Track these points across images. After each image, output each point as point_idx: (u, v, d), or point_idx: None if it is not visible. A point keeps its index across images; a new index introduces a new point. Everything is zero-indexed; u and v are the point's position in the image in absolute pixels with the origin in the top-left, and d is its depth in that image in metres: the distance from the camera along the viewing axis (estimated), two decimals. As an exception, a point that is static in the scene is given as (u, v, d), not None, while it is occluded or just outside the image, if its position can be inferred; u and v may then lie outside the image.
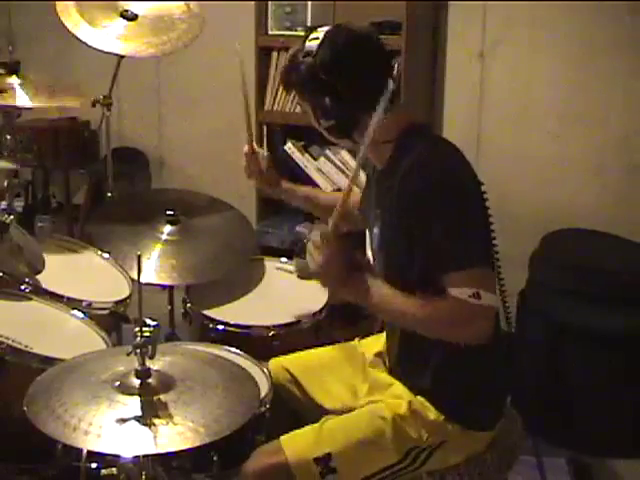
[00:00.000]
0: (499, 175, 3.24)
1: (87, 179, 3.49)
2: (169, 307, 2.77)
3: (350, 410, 1.86)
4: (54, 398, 1.57)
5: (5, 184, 2.84)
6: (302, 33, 1.91)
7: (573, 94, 3.12)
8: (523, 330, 2.89)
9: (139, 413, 1.53)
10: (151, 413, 1.53)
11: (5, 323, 2.05)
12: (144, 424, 1.50)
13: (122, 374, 1.62)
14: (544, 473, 2.04)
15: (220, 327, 2.32)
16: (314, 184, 3.28)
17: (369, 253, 1.95)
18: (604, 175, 3.11)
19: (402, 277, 1.78)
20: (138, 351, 1.56)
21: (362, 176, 2.10)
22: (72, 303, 2.23)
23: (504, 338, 1.85)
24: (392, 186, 1.76)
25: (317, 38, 1.78)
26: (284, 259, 2.68)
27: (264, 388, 1.95)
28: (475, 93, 3.27)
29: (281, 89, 3.29)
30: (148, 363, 1.59)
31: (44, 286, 2.25)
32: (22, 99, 2.78)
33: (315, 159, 3.29)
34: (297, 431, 1.81)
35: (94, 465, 1.77)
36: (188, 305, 2.46)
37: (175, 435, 1.48)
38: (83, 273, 2.49)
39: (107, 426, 1.49)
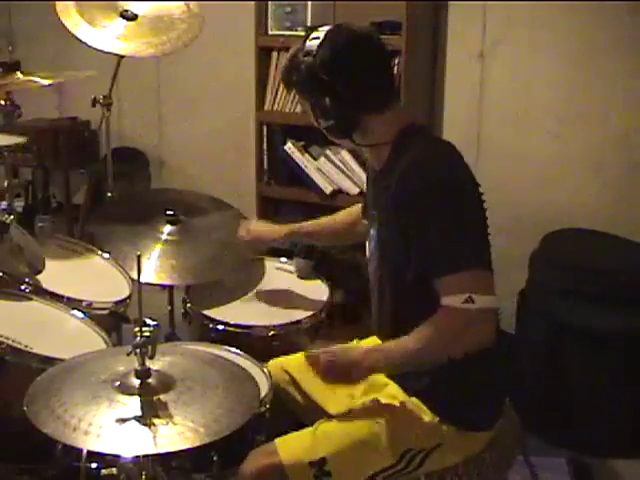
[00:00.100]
0: (499, 175, 3.25)
1: (87, 179, 3.49)
2: (169, 307, 2.77)
3: (348, 411, 1.86)
4: (54, 398, 1.57)
5: (5, 184, 2.84)
6: (302, 33, 1.92)
7: (573, 94, 3.12)
8: (523, 330, 2.90)
9: (139, 413, 1.53)
10: (151, 413, 1.52)
11: (5, 323, 2.05)
12: (144, 424, 1.50)
13: (122, 374, 1.62)
14: (534, 471, 2.04)
15: (220, 327, 2.32)
16: (314, 184, 3.28)
17: (367, 254, 1.94)
18: (604, 174, 3.11)
19: (398, 278, 1.78)
20: (138, 351, 1.56)
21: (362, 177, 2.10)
22: (72, 303, 2.23)
23: (503, 338, 1.85)
24: (389, 186, 1.75)
25: (317, 38, 1.78)
26: (284, 259, 2.68)
27: (264, 388, 1.95)
28: (475, 93, 3.27)
29: (281, 89, 3.30)
30: (148, 363, 1.59)
31: (44, 286, 2.25)
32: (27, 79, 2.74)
33: (315, 159, 3.29)
34: (292, 434, 1.81)
35: (94, 465, 1.77)
36: (188, 305, 2.46)
37: (175, 435, 1.48)
38: (83, 273, 2.49)
39: (107, 426, 1.49)
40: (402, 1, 2.98)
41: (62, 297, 2.24)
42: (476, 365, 1.68)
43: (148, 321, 1.57)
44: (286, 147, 3.33)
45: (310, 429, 1.81)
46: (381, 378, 1.90)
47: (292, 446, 1.77)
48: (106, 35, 2.75)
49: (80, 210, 3.53)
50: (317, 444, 1.76)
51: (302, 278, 2.62)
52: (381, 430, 1.77)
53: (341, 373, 1.74)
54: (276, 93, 3.33)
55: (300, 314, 2.37)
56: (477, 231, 1.71)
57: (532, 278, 2.92)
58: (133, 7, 2.83)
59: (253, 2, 3.27)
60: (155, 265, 2.47)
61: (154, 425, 1.50)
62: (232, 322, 2.31)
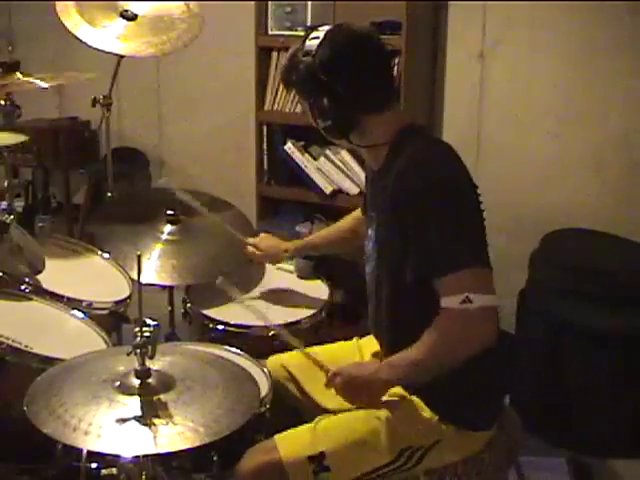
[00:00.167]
0: (499, 175, 3.25)
1: (87, 179, 3.49)
2: (169, 307, 2.77)
3: (347, 408, 1.86)
4: (54, 398, 1.57)
5: (5, 184, 2.84)
6: (302, 33, 1.91)
7: (573, 94, 3.12)
8: (523, 330, 2.90)
9: (139, 413, 1.53)
10: (151, 413, 1.53)
11: (5, 323, 2.05)
12: (144, 424, 1.50)
13: (122, 374, 1.62)
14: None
15: (220, 327, 2.32)
16: (314, 184, 3.28)
17: (365, 254, 1.95)
18: (604, 174, 3.11)
19: (396, 278, 1.78)
20: (138, 351, 1.56)
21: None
22: (72, 303, 2.23)
23: (504, 338, 1.85)
24: (386, 186, 1.75)
25: (317, 38, 1.78)
26: (284, 259, 2.67)
27: (264, 388, 1.95)
28: (475, 93, 3.27)
29: (281, 89, 3.30)
30: (148, 363, 1.59)
31: (44, 286, 2.25)
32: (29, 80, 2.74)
33: (315, 159, 3.29)
34: (292, 430, 1.81)
35: (94, 465, 1.77)
36: (188, 305, 2.46)
37: (175, 435, 1.48)
38: (83, 273, 2.49)
39: (107, 426, 1.49)
40: (402, 1, 2.98)
41: (62, 297, 2.24)
42: (476, 365, 1.68)
43: (148, 321, 1.57)
44: (286, 147, 3.33)
45: (309, 425, 1.81)
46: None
47: (291, 442, 1.78)
48: (106, 35, 2.75)
49: (80, 210, 3.53)
50: (316, 439, 1.77)
51: (302, 278, 2.62)
52: (380, 427, 1.77)
53: (360, 392, 1.76)
54: (276, 93, 3.33)
55: (300, 314, 2.38)
56: (476, 230, 1.71)
57: (532, 278, 2.92)
58: (133, 7, 2.83)
59: (253, 2, 3.27)
60: (155, 265, 2.47)
61: (154, 425, 1.50)
62: (232, 322, 2.31)
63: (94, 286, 2.40)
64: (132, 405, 1.55)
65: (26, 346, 1.96)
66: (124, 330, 2.37)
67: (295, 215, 3.42)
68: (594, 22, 3.03)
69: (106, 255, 2.53)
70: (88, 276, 2.47)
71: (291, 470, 1.74)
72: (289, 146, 3.33)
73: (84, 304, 2.25)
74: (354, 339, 2.13)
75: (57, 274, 2.33)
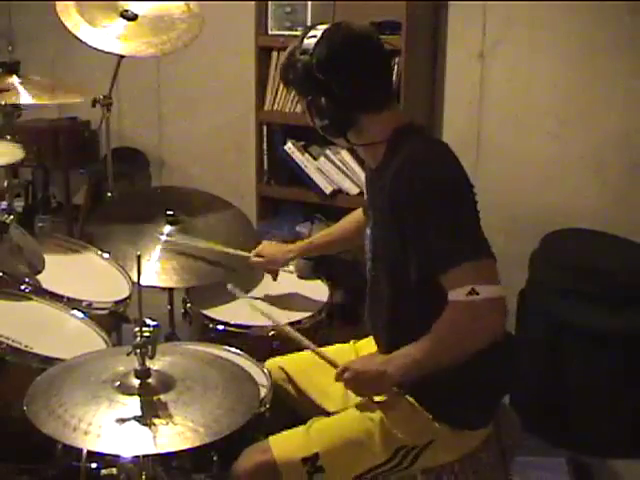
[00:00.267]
0: (499, 175, 3.25)
1: (87, 179, 3.49)
2: (169, 307, 2.77)
3: (343, 409, 1.86)
4: (54, 398, 1.57)
5: (5, 184, 2.83)
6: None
7: (573, 94, 3.12)
8: (523, 330, 2.89)
9: (139, 413, 1.53)
10: (151, 413, 1.52)
11: (5, 323, 2.04)
12: (144, 424, 1.50)
13: (122, 374, 1.62)
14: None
15: (220, 327, 2.32)
16: (314, 184, 3.28)
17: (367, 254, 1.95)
18: (604, 174, 3.11)
19: (393, 276, 1.78)
20: (138, 351, 1.56)
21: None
22: (72, 303, 2.23)
23: (503, 338, 1.85)
24: (384, 185, 1.75)
25: (315, 36, 1.77)
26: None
27: (264, 388, 1.95)
28: (475, 93, 3.27)
29: (281, 89, 3.30)
30: (148, 363, 1.59)
31: (44, 286, 2.25)
32: (24, 97, 2.79)
33: (315, 159, 3.29)
34: (286, 432, 1.82)
35: (94, 465, 1.77)
36: (188, 305, 2.46)
37: (175, 435, 1.48)
38: (83, 273, 2.49)
39: (107, 426, 1.49)
40: (402, 1, 2.98)
41: (62, 297, 2.23)
42: (470, 364, 1.67)
43: (148, 321, 1.57)
44: (286, 147, 3.33)
45: (303, 427, 1.82)
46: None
47: (285, 443, 1.78)
48: (106, 35, 2.75)
49: (80, 210, 3.53)
50: (310, 441, 1.77)
51: (302, 278, 2.62)
52: (374, 427, 1.77)
53: (370, 385, 1.76)
54: (276, 93, 3.33)
55: (300, 314, 2.38)
56: (474, 226, 1.71)
57: (532, 278, 2.92)
58: (133, 7, 2.83)
59: (253, 2, 3.27)
60: (155, 266, 2.47)
61: (154, 425, 1.50)
62: (232, 322, 2.31)
63: (94, 286, 2.40)
64: (132, 405, 1.55)
65: (26, 346, 1.96)
66: (124, 330, 2.37)
67: (295, 215, 3.42)
68: (594, 22, 3.03)
69: (106, 255, 2.53)
70: (88, 276, 2.47)
71: (285, 471, 1.74)
72: (289, 146, 3.33)
73: (84, 304, 2.25)
74: (351, 342, 2.12)
75: (57, 274, 2.33)
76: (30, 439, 1.59)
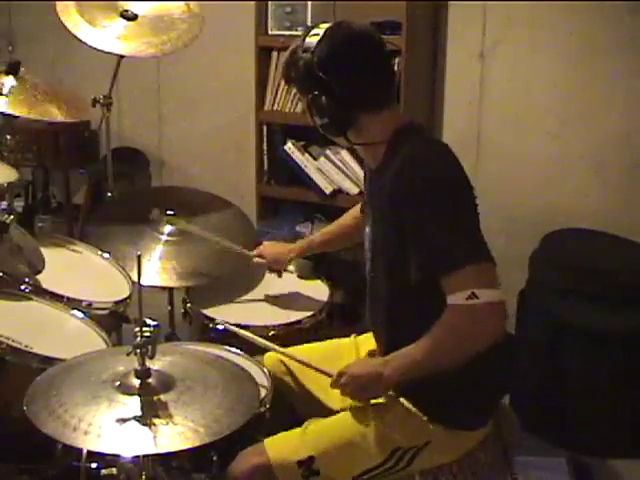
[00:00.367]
0: (499, 175, 3.25)
1: (87, 179, 3.49)
2: (169, 307, 2.77)
3: (342, 404, 1.86)
4: (54, 398, 1.57)
5: (5, 184, 2.83)
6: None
7: (573, 94, 3.12)
8: (523, 330, 2.90)
9: (139, 413, 1.53)
10: (151, 413, 1.52)
11: (5, 323, 2.04)
12: (144, 424, 1.50)
13: (122, 374, 1.62)
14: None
15: (220, 327, 2.32)
16: (314, 184, 3.28)
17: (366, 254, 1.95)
18: (604, 174, 3.11)
19: (392, 276, 1.78)
20: (138, 351, 1.56)
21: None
22: (72, 303, 2.23)
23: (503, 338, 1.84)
24: (384, 185, 1.75)
25: (317, 35, 1.78)
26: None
27: (264, 388, 1.95)
28: (475, 93, 3.27)
29: (281, 89, 3.30)
30: (148, 363, 1.59)
31: (44, 286, 2.25)
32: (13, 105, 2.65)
33: (315, 159, 3.29)
34: (281, 434, 1.82)
35: (94, 465, 1.77)
36: (188, 305, 2.46)
37: (175, 435, 1.48)
38: (83, 273, 2.49)
39: (107, 426, 1.49)
40: (402, 1, 2.98)
41: (62, 297, 2.23)
42: (468, 365, 1.67)
43: (148, 321, 1.57)
44: (286, 147, 3.33)
45: (299, 429, 1.82)
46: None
47: (280, 446, 1.78)
48: (106, 35, 2.75)
49: (80, 210, 3.53)
50: (305, 443, 1.77)
51: (302, 278, 2.62)
52: (369, 428, 1.77)
53: (368, 387, 1.75)
54: (276, 93, 3.33)
55: (300, 314, 2.38)
56: (474, 228, 1.70)
57: (532, 278, 2.92)
58: (133, 7, 2.83)
59: (253, 2, 3.27)
60: (155, 266, 2.47)
61: (154, 425, 1.50)
62: (232, 322, 2.31)
63: (94, 286, 2.40)
64: (132, 405, 1.55)
65: (26, 346, 1.96)
66: (124, 330, 2.37)
67: (295, 215, 3.42)
68: (594, 22, 3.03)
69: (106, 255, 2.53)
70: (88, 276, 2.47)
71: (280, 474, 1.74)
72: (289, 146, 3.33)
73: (84, 304, 2.24)
74: (352, 336, 2.13)
75: (57, 274, 2.33)
76: (30, 439, 1.59)
